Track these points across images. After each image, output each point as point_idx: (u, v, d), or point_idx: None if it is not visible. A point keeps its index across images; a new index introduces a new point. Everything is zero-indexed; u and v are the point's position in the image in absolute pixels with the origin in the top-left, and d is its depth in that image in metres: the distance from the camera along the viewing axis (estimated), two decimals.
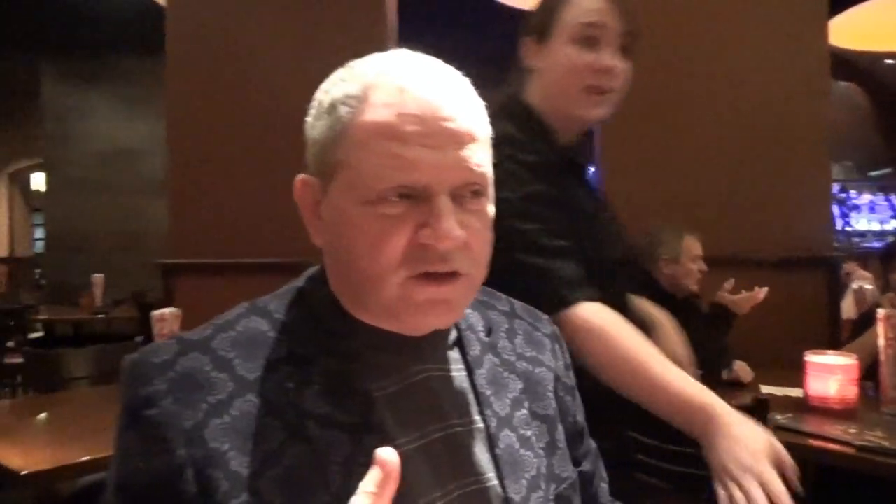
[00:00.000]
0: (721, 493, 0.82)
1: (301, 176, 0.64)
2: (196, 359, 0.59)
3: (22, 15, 5.88)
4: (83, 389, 2.38)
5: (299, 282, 0.68)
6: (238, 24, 2.84)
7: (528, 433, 0.69)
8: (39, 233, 9.45)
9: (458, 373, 0.68)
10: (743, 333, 2.52)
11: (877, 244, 7.36)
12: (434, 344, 0.67)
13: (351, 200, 0.59)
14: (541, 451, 0.69)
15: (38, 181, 9.03)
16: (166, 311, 1.98)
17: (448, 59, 0.66)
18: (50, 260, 7.19)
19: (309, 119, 0.64)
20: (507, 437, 0.67)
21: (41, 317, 5.12)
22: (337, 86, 0.62)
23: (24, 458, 1.48)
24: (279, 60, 2.78)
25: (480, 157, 0.61)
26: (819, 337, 2.54)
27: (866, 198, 8.01)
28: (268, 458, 0.56)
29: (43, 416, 2.02)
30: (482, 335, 0.72)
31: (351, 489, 0.53)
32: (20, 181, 9.73)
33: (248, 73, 2.80)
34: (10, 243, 9.59)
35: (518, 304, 0.80)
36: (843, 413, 1.72)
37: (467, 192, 0.60)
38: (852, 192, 7.94)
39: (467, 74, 0.67)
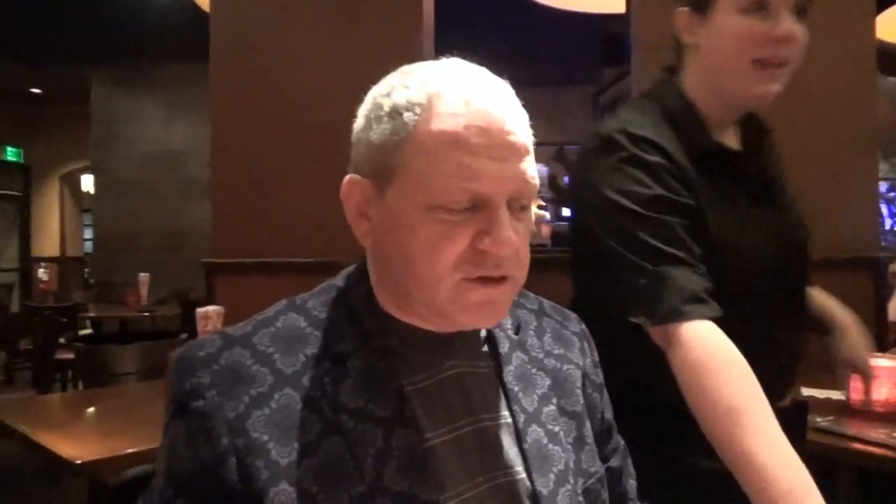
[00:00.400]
0: None
1: (351, 176, 0.66)
2: (238, 353, 0.63)
3: (73, 23, 6.10)
4: (130, 384, 2.46)
5: (337, 280, 0.70)
6: (280, 29, 2.89)
7: (556, 428, 0.71)
8: (88, 233, 9.76)
9: (488, 369, 0.71)
10: None
11: None
12: (465, 341, 0.70)
13: (412, 204, 0.61)
14: (569, 447, 0.71)
15: (87, 183, 9.33)
16: (210, 308, 2.04)
17: (483, 58, 0.69)
18: (98, 259, 7.43)
19: (361, 121, 0.66)
20: (535, 432, 0.69)
21: (90, 314, 5.29)
22: (399, 91, 0.64)
23: (77, 449, 1.54)
24: (320, 63, 2.83)
25: (533, 169, 0.64)
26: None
27: None
28: (305, 449, 0.59)
29: (92, 409, 2.10)
30: (511, 333, 0.74)
31: (384, 479, 0.58)
32: (71, 183, 10.06)
33: (290, 76, 2.86)
34: (62, 243, 9.92)
35: (547, 303, 0.82)
36: (885, 416, 1.67)
37: (520, 202, 0.63)
38: None
39: (502, 74, 0.69)
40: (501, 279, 0.63)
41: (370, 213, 0.65)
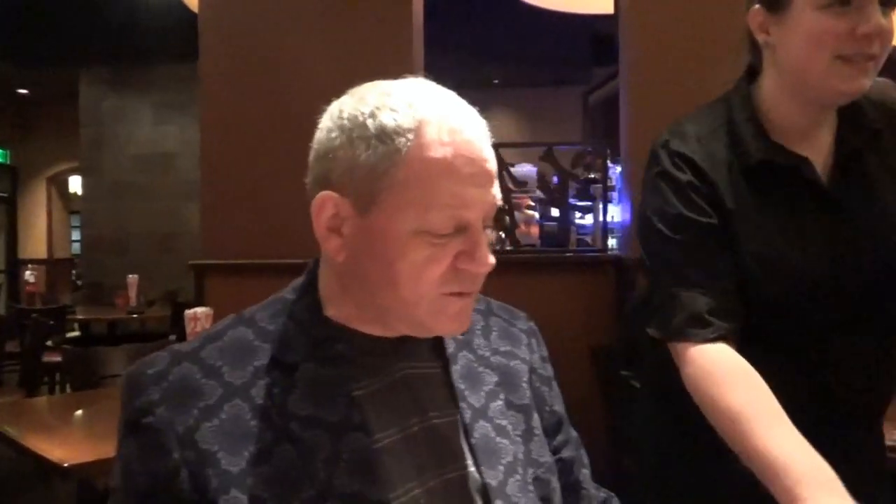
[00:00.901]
0: None
1: (326, 193, 0.66)
2: (187, 368, 0.65)
3: (61, 24, 6.07)
4: (119, 386, 2.44)
5: (285, 292, 0.73)
6: (269, 29, 2.89)
7: (504, 422, 0.74)
8: (77, 235, 9.70)
9: (435, 370, 0.74)
10: None
11: None
12: (412, 345, 0.72)
13: (399, 225, 0.63)
14: (517, 439, 0.74)
15: (75, 184, 9.27)
16: (198, 310, 2.04)
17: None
18: (86, 261, 7.38)
19: (337, 136, 0.66)
20: (482, 427, 0.72)
21: (78, 316, 5.25)
22: (386, 114, 0.64)
23: (66, 452, 1.54)
24: (310, 64, 2.83)
25: (498, 192, 0.68)
26: None
27: None
28: (256, 457, 0.62)
29: (80, 412, 2.09)
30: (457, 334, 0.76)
31: (334, 483, 0.61)
32: (58, 184, 9.99)
33: (280, 76, 2.85)
34: (49, 245, 9.85)
35: (495, 303, 0.85)
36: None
37: (488, 223, 0.67)
38: None
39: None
40: (470, 293, 0.68)
41: (343, 230, 0.67)
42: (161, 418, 0.62)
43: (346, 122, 0.66)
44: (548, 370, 0.84)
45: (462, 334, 0.76)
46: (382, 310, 0.67)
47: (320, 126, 0.69)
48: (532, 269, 2.75)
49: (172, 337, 3.09)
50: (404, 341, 0.71)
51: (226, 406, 0.63)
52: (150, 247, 7.00)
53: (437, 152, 0.63)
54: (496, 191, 0.67)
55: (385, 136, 0.63)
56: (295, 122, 2.88)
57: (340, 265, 0.68)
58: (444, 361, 0.74)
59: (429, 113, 0.64)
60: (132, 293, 5.14)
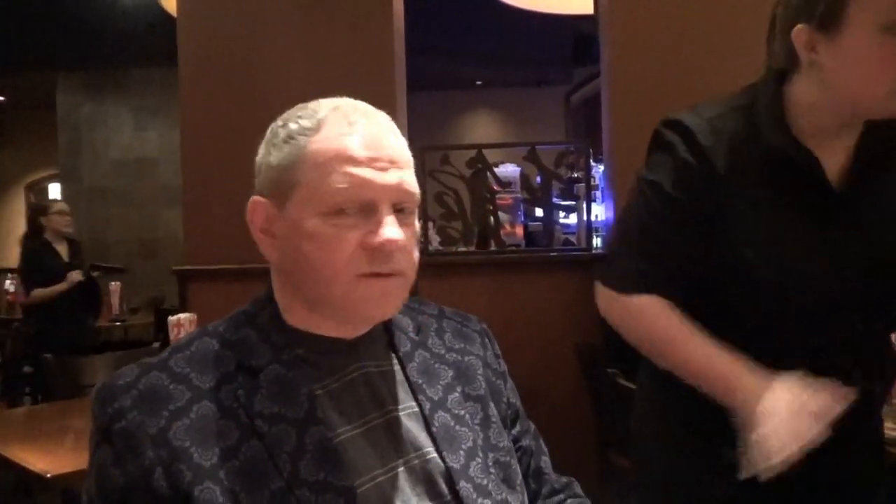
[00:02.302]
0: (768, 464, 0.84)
1: (254, 198, 0.75)
2: (155, 376, 0.69)
3: (38, 28, 5.99)
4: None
5: (246, 307, 0.77)
6: (248, 32, 2.88)
7: (462, 412, 0.79)
8: None
9: (392, 367, 0.79)
10: None
11: None
12: (369, 344, 0.78)
13: (308, 214, 0.69)
14: (476, 427, 0.79)
15: (54, 192, 9.15)
16: (182, 316, 2.02)
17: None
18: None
19: (262, 150, 0.76)
20: (441, 417, 0.77)
21: None
22: (292, 121, 0.73)
23: (48, 462, 1.52)
24: (290, 66, 2.82)
25: (411, 180, 0.73)
26: None
27: None
28: (225, 453, 0.65)
29: (63, 422, 2.07)
30: (412, 334, 0.82)
31: (300, 473, 0.66)
32: (37, 192, 9.86)
33: (260, 79, 2.84)
34: None
35: (447, 309, 0.91)
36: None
37: (401, 207, 0.72)
38: None
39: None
40: (391, 275, 0.71)
41: (273, 230, 0.73)
42: (133, 421, 0.65)
43: (268, 136, 0.76)
44: (501, 366, 0.89)
45: (417, 335, 0.82)
46: (314, 300, 0.72)
47: None
48: (517, 269, 2.76)
49: (156, 344, 3.06)
50: (360, 341, 0.76)
51: (195, 407, 0.67)
52: (131, 253, 6.93)
53: (332, 143, 0.70)
54: (405, 177, 0.72)
55: (290, 137, 0.72)
56: None
57: (277, 265, 0.74)
58: (400, 360, 0.79)
59: (329, 113, 0.72)
60: (115, 301, 5.08)
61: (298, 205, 0.70)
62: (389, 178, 0.70)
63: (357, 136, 0.70)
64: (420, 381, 0.78)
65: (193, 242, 2.87)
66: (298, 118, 0.73)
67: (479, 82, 8.21)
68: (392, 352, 0.80)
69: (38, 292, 3.99)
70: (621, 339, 1.12)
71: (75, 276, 4.02)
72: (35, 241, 4.16)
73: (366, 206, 0.69)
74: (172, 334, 2.00)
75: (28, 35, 6.17)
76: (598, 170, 3.67)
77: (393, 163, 0.71)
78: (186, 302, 2.83)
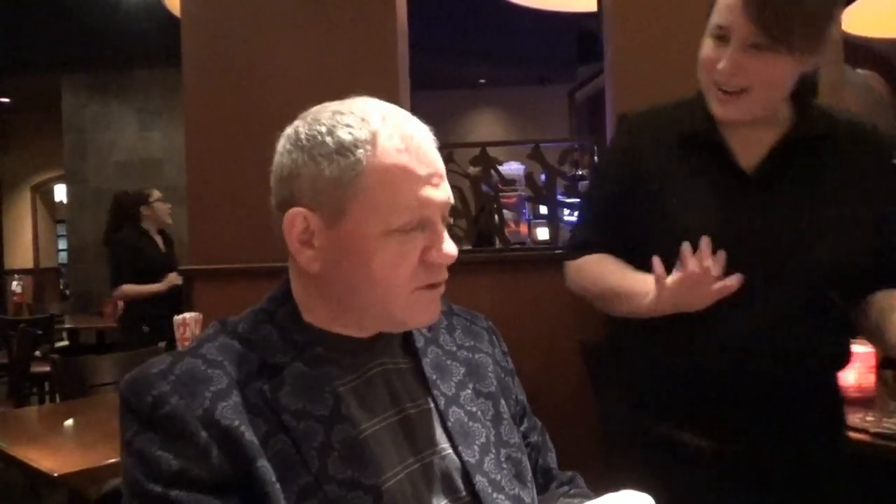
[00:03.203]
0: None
1: (296, 210, 0.71)
2: (190, 362, 0.68)
3: (42, 30, 6.01)
4: (108, 395, 2.43)
5: (262, 303, 0.77)
6: (252, 32, 2.88)
7: (475, 408, 0.80)
8: (63, 244, 9.61)
9: (408, 364, 0.80)
10: None
11: None
12: (385, 342, 0.78)
13: (371, 230, 0.69)
14: (488, 423, 0.80)
15: (60, 193, 9.19)
16: (187, 315, 2.03)
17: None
18: (73, 270, 7.32)
19: (301, 157, 0.71)
20: (455, 413, 0.78)
21: (66, 326, 5.20)
22: (342, 130, 0.70)
23: (55, 462, 1.53)
24: (294, 66, 2.82)
25: (450, 191, 0.75)
26: None
27: None
28: (260, 444, 0.65)
29: (71, 421, 2.07)
30: (424, 331, 0.83)
31: (328, 469, 0.66)
32: (43, 193, 9.90)
33: (264, 80, 2.84)
34: (35, 255, 9.76)
35: (455, 306, 0.92)
36: (860, 401, 1.71)
37: (446, 219, 0.75)
38: None
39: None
40: (440, 283, 0.74)
41: (314, 242, 0.72)
42: (177, 406, 0.64)
43: (305, 142, 0.71)
44: (509, 363, 0.91)
45: (429, 331, 0.83)
46: (361, 310, 0.73)
47: (278, 150, 0.75)
48: (522, 267, 2.76)
49: (162, 344, 3.07)
50: (377, 340, 0.77)
51: (233, 392, 0.67)
52: None
53: (394, 158, 0.69)
54: (448, 190, 0.74)
55: (344, 149, 0.69)
56: (281, 125, 2.88)
57: (316, 275, 0.73)
58: (415, 356, 0.80)
59: (380, 124, 0.71)
60: (120, 301, 5.09)
61: (357, 220, 0.69)
62: (442, 193, 0.72)
63: (413, 151, 0.70)
64: (434, 377, 0.79)
65: (198, 242, 2.88)
66: (348, 127, 0.70)
67: (482, 81, 8.20)
68: (407, 348, 0.81)
69: (131, 289, 3.76)
70: (619, 338, 1.24)
71: (174, 278, 3.74)
72: (132, 231, 3.92)
73: (424, 221, 0.71)
74: (178, 333, 2.01)
75: (32, 37, 6.19)
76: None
77: (442, 176, 0.73)
78: (191, 301, 2.84)
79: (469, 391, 0.81)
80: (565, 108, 8.01)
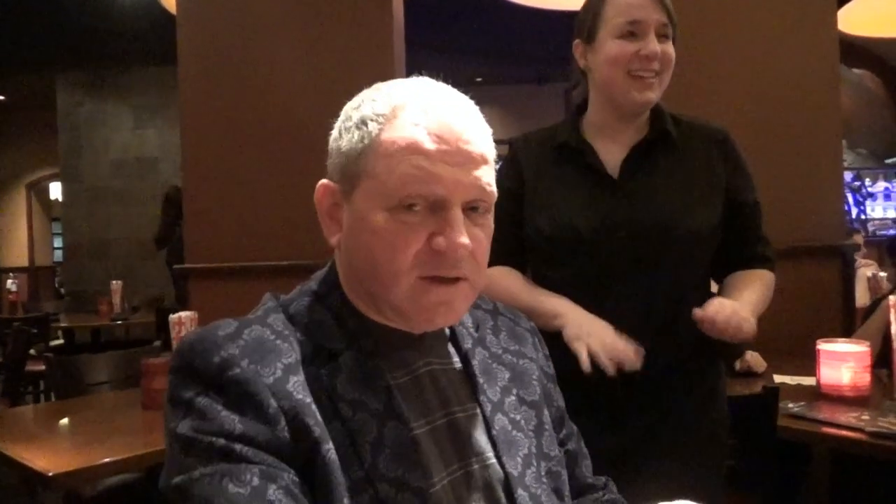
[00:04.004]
0: (576, 348, 1.15)
1: (324, 181, 0.71)
2: (258, 330, 0.65)
3: (37, 28, 5.98)
4: (104, 394, 2.42)
5: (312, 284, 0.73)
6: (248, 31, 2.87)
7: (518, 417, 0.76)
8: (58, 242, 9.59)
9: (455, 364, 0.76)
10: (757, 323, 2.51)
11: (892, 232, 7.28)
12: (434, 340, 0.75)
13: (374, 206, 0.65)
14: (531, 433, 0.77)
15: (56, 191, 9.16)
16: (183, 314, 2.02)
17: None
18: (69, 268, 7.30)
19: (335, 132, 0.71)
20: (500, 420, 0.74)
21: (61, 324, 5.19)
22: (367, 104, 0.68)
23: (50, 461, 1.52)
24: (290, 65, 2.81)
25: (489, 177, 0.68)
26: (833, 326, 2.53)
27: (881, 185, 7.92)
28: (325, 429, 0.62)
29: (66, 420, 2.07)
30: (472, 330, 0.80)
31: (379, 466, 0.63)
32: (38, 191, 9.87)
33: (260, 79, 2.83)
34: (31, 253, 9.73)
35: (499, 304, 0.88)
36: (855, 400, 1.71)
37: (476, 207, 0.68)
38: (867, 180, 7.85)
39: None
40: (456, 280, 0.67)
41: (339, 217, 0.70)
42: (247, 370, 0.61)
43: (341, 117, 0.71)
44: (551, 368, 0.87)
45: (476, 331, 0.79)
46: (373, 297, 0.69)
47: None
48: None
49: (157, 343, 3.06)
50: (426, 337, 0.73)
51: (300, 370, 0.64)
52: (131, 252, 6.94)
53: (405, 132, 0.65)
54: (482, 174, 0.67)
55: (362, 122, 0.67)
56: (276, 124, 2.88)
57: (340, 253, 0.71)
58: (463, 357, 0.76)
59: (405, 98, 0.67)
60: (116, 299, 5.08)
61: (365, 196, 0.66)
62: (463, 174, 0.65)
63: (432, 126, 0.65)
64: (482, 381, 0.75)
65: (193, 241, 2.87)
66: (373, 101, 0.68)
67: (479, 79, 8.19)
68: (454, 348, 0.77)
69: None
70: None
71: None
72: None
73: (436, 203, 0.65)
74: (174, 332, 2.00)
75: (27, 35, 6.17)
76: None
77: (468, 158, 0.66)
78: (187, 300, 2.83)
79: (513, 398, 0.77)
80: (562, 106, 8.01)
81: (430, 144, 0.64)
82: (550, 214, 1.26)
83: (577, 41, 1.30)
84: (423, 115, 0.66)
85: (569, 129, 1.32)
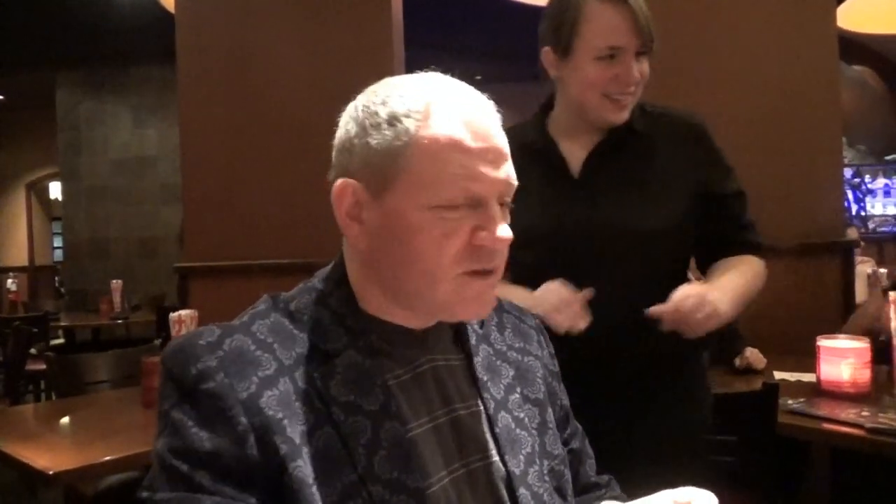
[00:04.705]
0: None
1: (344, 180, 0.68)
2: (240, 339, 0.65)
3: (37, 27, 5.97)
4: (104, 392, 2.42)
5: (315, 282, 0.73)
6: (246, 29, 2.87)
7: (522, 415, 0.76)
8: (58, 241, 9.59)
9: (459, 361, 0.76)
10: (758, 321, 2.51)
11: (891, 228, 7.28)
12: (438, 336, 0.74)
13: (414, 205, 0.65)
14: (534, 431, 0.76)
15: (55, 190, 9.16)
16: (184, 312, 2.02)
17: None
18: (69, 268, 7.30)
19: (353, 128, 0.69)
20: (503, 418, 0.74)
21: (62, 323, 5.19)
22: (396, 100, 0.67)
23: (51, 459, 1.52)
24: (289, 63, 2.81)
25: (514, 171, 0.70)
26: (833, 322, 2.53)
27: (881, 182, 7.91)
28: (304, 436, 0.62)
29: (66, 419, 2.07)
30: (476, 327, 0.79)
31: (374, 468, 0.63)
32: (38, 191, 9.86)
33: (259, 77, 2.83)
34: (31, 252, 9.73)
35: (505, 301, 0.88)
36: (855, 396, 1.72)
37: (503, 201, 0.69)
38: (867, 177, 7.85)
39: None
40: (492, 272, 0.68)
41: (363, 216, 0.68)
42: (222, 384, 0.61)
43: (360, 113, 0.69)
44: (556, 366, 0.87)
45: (480, 327, 0.79)
46: (409, 294, 0.69)
47: (340, 124, 0.71)
48: None
49: (158, 341, 3.07)
50: (429, 332, 0.73)
51: (281, 380, 0.63)
52: (130, 251, 6.94)
53: (445, 128, 0.65)
54: (510, 169, 0.68)
55: (395, 119, 0.66)
56: (275, 122, 2.88)
57: (364, 253, 0.69)
58: (467, 353, 0.76)
59: (437, 95, 0.67)
60: (116, 298, 5.08)
61: (402, 194, 0.65)
62: (497, 170, 0.67)
63: (470, 124, 0.66)
64: (485, 378, 0.75)
65: (193, 239, 2.87)
66: (401, 98, 0.67)
67: (478, 77, 8.19)
68: (458, 345, 0.77)
69: None
70: None
71: None
72: None
73: (475, 199, 0.66)
74: (174, 331, 2.00)
75: (27, 34, 6.16)
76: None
77: (500, 154, 0.68)
78: (187, 299, 2.83)
79: (517, 395, 0.77)
80: None
81: (470, 142, 0.65)
82: (520, 216, 1.26)
83: (547, 49, 1.30)
84: (457, 111, 0.66)
85: (535, 127, 1.34)
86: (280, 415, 0.61)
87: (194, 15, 2.90)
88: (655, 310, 1.12)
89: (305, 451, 0.61)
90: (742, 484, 1.56)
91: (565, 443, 0.83)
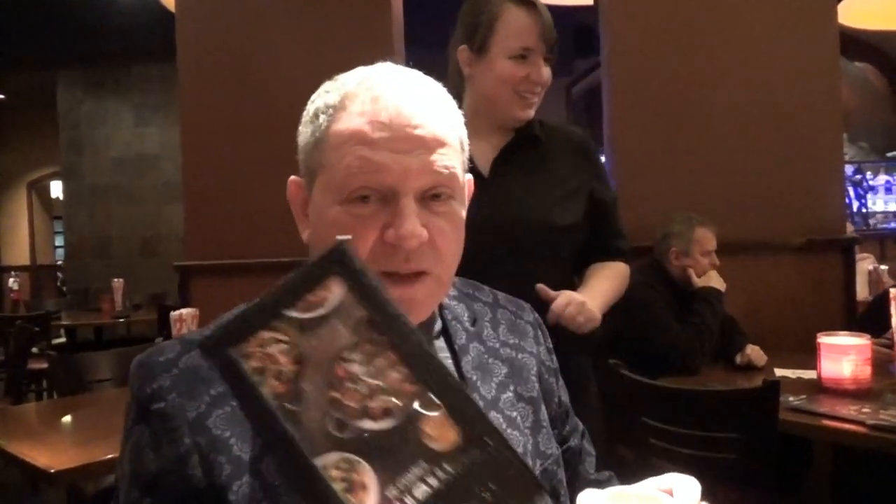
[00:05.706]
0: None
1: (293, 177, 0.71)
2: (197, 356, 0.63)
3: (38, 26, 5.98)
4: (106, 391, 2.42)
5: None
6: (247, 27, 2.87)
7: (514, 414, 0.74)
8: (60, 240, 9.59)
9: (446, 361, 0.73)
10: (759, 318, 2.51)
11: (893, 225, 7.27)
12: (422, 334, 0.70)
13: (328, 200, 0.64)
14: (526, 431, 0.74)
15: (57, 189, 9.17)
16: (184, 311, 2.02)
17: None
18: (70, 267, 7.31)
19: (300, 126, 0.70)
20: (495, 419, 0.71)
21: (63, 322, 5.20)
22: (321, 96, 0.67)
23: (53, 458, 1.52)
24: (289, 60, 2.81)
25: (449, 161, 0.64)
26: (834, 319, 2.53)
27: (882, 179, 7.90)
28: (264, 446, 0.59)
29: (68, 417, 2.07)
30: (468, 325, 0.77)
31: None
32: (39, 190, 9.87)
33: (259, 76, 2.83)
34: (32, 252, 9.74)
35: (501, 295, 0.85)
36: (857, 393, 1.72)
37: (437, 194, 0.64)
38: (868, 174, 7.84)
39: None
40: (416, 276, 0.64)
41: (308, 212, 0.69)
42: (172, 404, 0.60)
43: (304, 111, 0.70)
44: (554, 362, 0.85)
45: (472, 325, 0.76)
46: None
47: None
48: None
49: (159, 339, 3.07)
50: None
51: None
52: (132, 250, 6.95)
53: (350, 122, 0.63)
54: (437, 158, 0.63)
55: (316, 115, 0.66)
56: (276, 120, 2.87)
57: (309, 248, 0.70)
58: (455, 353, 0.74)
59: (355, 87, 0.65)
60: (118, 297, 5.09)
61: (320, 189, 0.65)
62: (412, 160, 0.62)
63: (376, 114, 0.63)
64: (474, 378, 0.73)
65: (194, 238, 2.87)
66: (326, 93, 0.67)
67: None
68: (446, 345, 0.74)
69: None
70: (616, 332, 1.21)
71: None
72: None
73: (386, 193, 0.62)
74: (175, 329, 2.00)
75: (28, 33, 6.16)
76: None
77: (418, 143, 0.63)
78: (188, 297, 2.83)
79: (510, 394, 0.75)
80: (562, 102, 8.00)
81: (373, 133, 0.62)
82: None
83: (463, 47, 1.40)
84: (371, 104, 0.63)
85: None
86: (227, 433, 0.59)
87: (195, 14, 2.89)
88: (545, 291, 1.25)
89: (264, 464, 0.59)
90: (743, 481, 1.56)
91: (564, 440, 0.82)
